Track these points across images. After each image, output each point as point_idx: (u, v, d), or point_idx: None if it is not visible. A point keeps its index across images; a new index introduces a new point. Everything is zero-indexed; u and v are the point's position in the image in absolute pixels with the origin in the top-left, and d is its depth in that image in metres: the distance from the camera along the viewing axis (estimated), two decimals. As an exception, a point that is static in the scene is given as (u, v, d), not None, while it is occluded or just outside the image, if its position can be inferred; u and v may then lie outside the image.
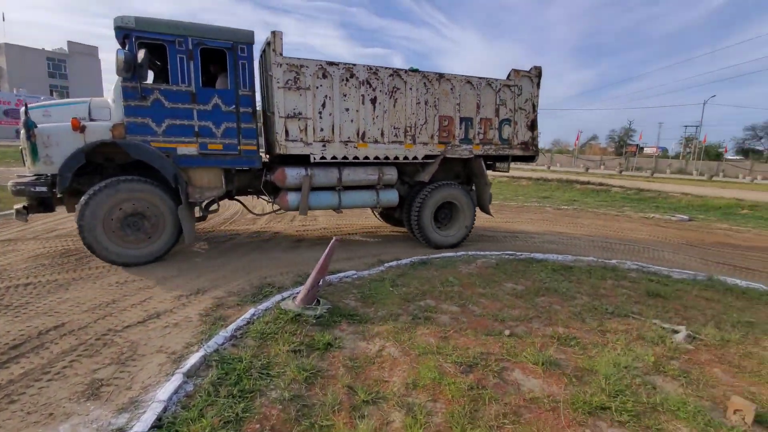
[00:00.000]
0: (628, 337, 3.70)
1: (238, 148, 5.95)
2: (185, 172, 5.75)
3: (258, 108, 6.17)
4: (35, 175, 5.30)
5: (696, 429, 2.47)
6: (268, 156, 6.75)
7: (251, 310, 3.93)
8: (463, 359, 3.15)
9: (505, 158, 7.90)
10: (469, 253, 6.51)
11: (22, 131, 4.94)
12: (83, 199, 5.20)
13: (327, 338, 3.38)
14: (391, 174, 6.94)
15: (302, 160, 6.32)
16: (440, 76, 6.96)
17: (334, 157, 6.40)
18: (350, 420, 2.50)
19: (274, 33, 5.85)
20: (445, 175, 7.60)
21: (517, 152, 7.80)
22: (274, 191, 6.55)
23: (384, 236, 8.10)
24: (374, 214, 9.24)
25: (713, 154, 51.34)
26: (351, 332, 3.60)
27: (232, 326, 3.59)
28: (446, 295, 4.62)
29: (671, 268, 6.34)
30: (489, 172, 8.11)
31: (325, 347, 3.28)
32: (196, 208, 6.28)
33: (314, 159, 6.26)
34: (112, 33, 5.36)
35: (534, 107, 7.86)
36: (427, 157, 7.09)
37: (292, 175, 6.20)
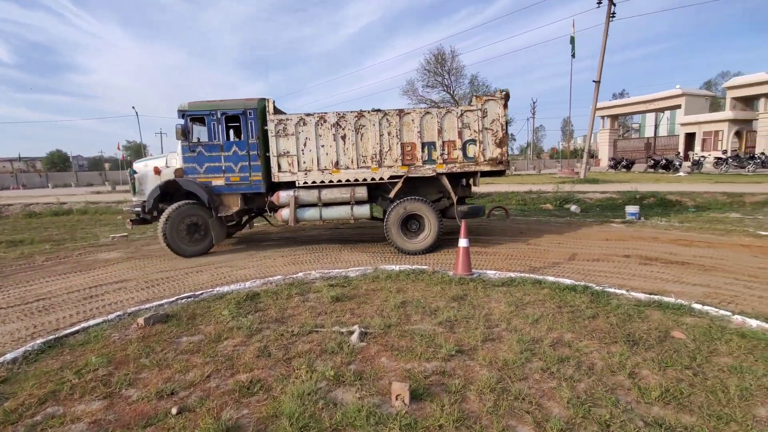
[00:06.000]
0: (312, 356, 3.49)
1: (249, 179, 8.71)
2: (218, 197, 8.77)
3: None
4: (136, 203, 8.98)
5: None
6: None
7: None
8: None
9: (474, 174, 8.81)
10: (129, 311, 5.05)
11: (129, 175, 8.68)
12: (164, 216, 8.58)
13: None
14: (362, 193, 8.73)
15: (293, 185, 8.70)
16: (400, 111, 8.51)
17: (314, 182, 8.60)
18: None
19: (267, 100, 8.47)
20: (426, 192, 8.97)
21: (485, 168, 8.63)
22: (276, 209, 9.08)
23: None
24: None
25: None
26: None
27: None
28: (84, 388, 3.28)
29: (347, 267, 6.83)
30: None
31: None
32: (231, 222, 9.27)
33: (298, 184, 8.58)
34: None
35: (503, 126, 8.59)
36: (393, 177, 8.66)
37: (283, 196, 8.64)
